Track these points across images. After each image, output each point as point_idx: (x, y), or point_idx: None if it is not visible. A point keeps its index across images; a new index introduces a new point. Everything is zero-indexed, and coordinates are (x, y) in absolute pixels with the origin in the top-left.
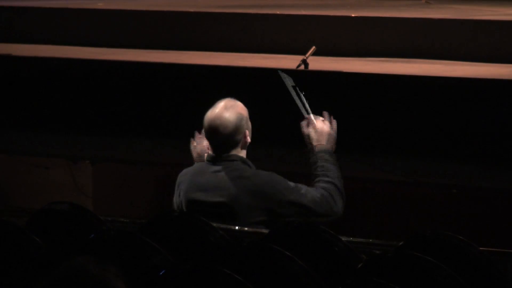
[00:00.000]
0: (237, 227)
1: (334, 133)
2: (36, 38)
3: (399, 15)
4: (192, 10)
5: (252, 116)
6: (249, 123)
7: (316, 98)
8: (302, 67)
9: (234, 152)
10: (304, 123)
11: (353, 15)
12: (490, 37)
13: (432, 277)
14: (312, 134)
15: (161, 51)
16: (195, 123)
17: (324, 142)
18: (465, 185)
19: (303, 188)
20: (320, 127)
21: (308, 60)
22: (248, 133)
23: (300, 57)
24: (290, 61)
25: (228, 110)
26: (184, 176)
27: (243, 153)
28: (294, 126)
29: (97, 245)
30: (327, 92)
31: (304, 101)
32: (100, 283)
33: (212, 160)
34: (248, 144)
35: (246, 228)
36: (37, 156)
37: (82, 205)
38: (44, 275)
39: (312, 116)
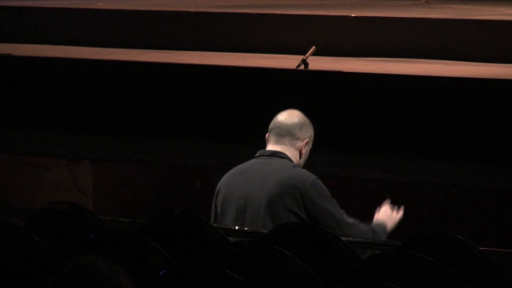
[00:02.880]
0: (237, 227)
1: (395, 219)
2: (36, 38)
3: (399, 15)
4: (192, 10)
5: (251, 115)
6: (310, 145)
7: (316, 98)
8: (302, 67)
9: (287, 150)
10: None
11: (353, 15)
12: (490, 37)
13: (432, 277)
14: (382, 214)
15: (161, 51)
16: (195, 123)
17: (387, 222)
18: (465, 185)
19: (339, 208)
20: (390, 213)
21: (308, 60)
22: (307, 146)
23: (300, 57)
24: (290, 61)
25: (300, 113)
26: (232, 170)
27: (295, 158)
28: None
29: (97, 245)
30: (327, 92)
31: None
32: (109, 282)
33: (263, 155)
34: (301, 158)
35: (246, 228)
36: (37, 156)
37: (82, 205)
38: (52, 273)
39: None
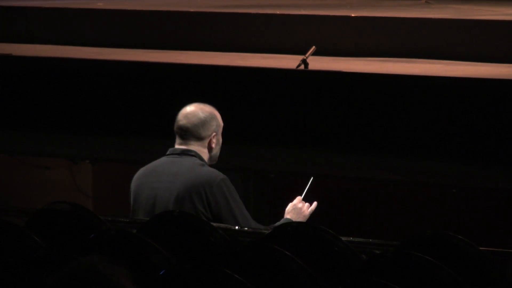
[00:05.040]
0: (237, 227)
1: (307, 215)
2: (36, 38)
3: (399, 15)
4: (192, 10)
5: (252, 115)
6: (220, 133)
7: (316, 98)
8: (302, 67)
9: (195, 149)
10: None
11: (353, 15)
12: (490, 37)
13: (432, 277)
14: (289, 207)
15: (161, 51)
16: None
17: (293, 217)
18: (465, 185)
19: (243, 210)
20: (300, 206)
21: (308, 60)
22: (214, 138)
23: (300, 57)
24: (290, 61)
25: (204, 106)
26: (144, 168)
27: (204, 154)
28: (294, 126)
29: (97, 245)
30: (327, 92)
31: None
32: (109, 282)
33: (172, 153)
34: (213, 150)
35: (246, 228)
36: (37, 156)
37: (82, 205)
38: (52, 273)
39: (300, 198)
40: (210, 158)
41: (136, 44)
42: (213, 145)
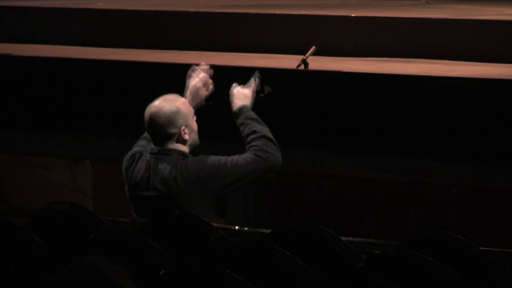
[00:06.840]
0: (237, 227)
1: (251, 95)
2: (36, 38)
3: (399, 15)
4: (192, 10)
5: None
6: (191, 121)
7: (316, 98)
8: (302, 67)
9: (171, 146)
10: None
11: (353, 15)
12: (490, 37)
13: (432, 277)
14: (236, 94)
15: (161, 51)
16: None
17: (243, 102)
18: (465, 185)
19: (235, 158)
20: (242, 91)
21: (308, 60)
22: (186, 129)
23: (300, 57)
24: (290, 61)
25: (166, 102)
26: (129, 165)
27: (183, 148)
28: (294, 126)
29: (97, 245)
30: (327, 92)
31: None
32: (110, 282)
33: (153, 153)
34: (189, 141)
35: (246, 228)
36: (37, 156)
37: (82, 205)
38: (52, 273)
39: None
40: (190, 146)
41: (136, 44)
42: (187, 137)
